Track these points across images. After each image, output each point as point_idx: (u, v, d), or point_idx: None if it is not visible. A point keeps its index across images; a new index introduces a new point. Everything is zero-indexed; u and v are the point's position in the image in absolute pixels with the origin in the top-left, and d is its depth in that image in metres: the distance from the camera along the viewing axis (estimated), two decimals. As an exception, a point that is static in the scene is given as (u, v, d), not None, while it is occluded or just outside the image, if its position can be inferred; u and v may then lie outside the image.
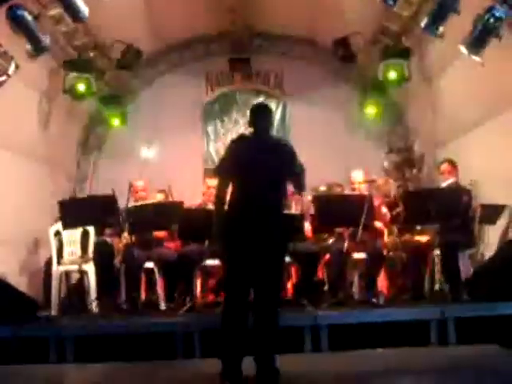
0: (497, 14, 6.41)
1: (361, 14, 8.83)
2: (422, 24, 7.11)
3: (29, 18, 6.84)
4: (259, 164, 4.91)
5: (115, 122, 10.20)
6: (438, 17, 6.85)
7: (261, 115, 5.20)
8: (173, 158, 10.44)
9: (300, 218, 7.49)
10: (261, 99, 10.84)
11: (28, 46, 6.98)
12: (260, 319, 4.82)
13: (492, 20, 6.44)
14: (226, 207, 4.98)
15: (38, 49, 7.06)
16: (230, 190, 5.04)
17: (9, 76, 6.86)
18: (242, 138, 5.27)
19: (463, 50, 6.79)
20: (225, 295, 5.03)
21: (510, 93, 7.15)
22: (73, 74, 8.72)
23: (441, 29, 6.91)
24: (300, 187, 5.28)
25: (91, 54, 9.07)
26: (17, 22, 6.75)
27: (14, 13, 6.70)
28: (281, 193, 5.07)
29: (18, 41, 6.92)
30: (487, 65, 6.76)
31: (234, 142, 5.16)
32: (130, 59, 9.38)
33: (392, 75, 9.04)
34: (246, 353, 4.75)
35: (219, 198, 5.02)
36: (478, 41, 6.64)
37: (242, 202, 4.92)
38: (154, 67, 11.00)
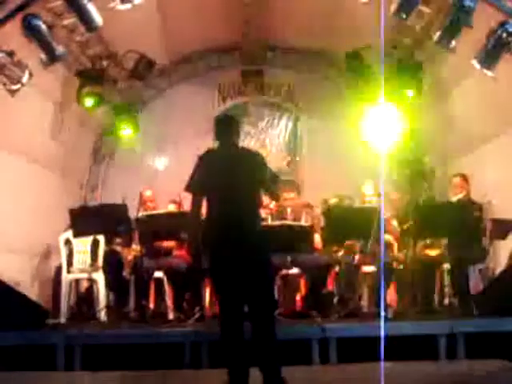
0: (510, 29, 6.41)
1: (373, 27, 8.83)
2: (435, 38, 7.11)
3: (43, 27, 6.88)
4: (229, 176, 4.88)
5: (127, 131, 10.21)
6: (451, 31, 6.85)
7: (225, 127, 5.17)
8: (184, 168, 10.40)
9: (310, 230, 7.48)
10: (272, 112, 10.84)
11: (42, 55, 7.03)
12: (257, 332, 4.78)
13: (505, 35, 6.44)
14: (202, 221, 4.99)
15: (51, 58, 7.10)
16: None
17: (23, 84, 6.90)
18: (209, 152, 5.21)
19: (476, 64, 6.79)
20: (219, 312, 4.99)
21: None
22: (86, 88, 8.77)
23: (453, 43, 6.91)
24: (274, 197, 5.29)
25: (104, 64, 9.11)
26: (31, 31, 6.80)
27: (29, 22, 6.74)
28: (255, 203, 5.04)
29: (32, 49, 6.97)
30: (500, 79, 6.76)
31: (201, 157, 5.10)
32: (143, 69, 9.41)
33: (409, 93, 9.02)
34: (252, 364, 4.73)
35: (194, 215, 5.00)
36: (490, 55, 6.64)
37: (217, 217, 4.89)
38: (167, 77, 11.04)
